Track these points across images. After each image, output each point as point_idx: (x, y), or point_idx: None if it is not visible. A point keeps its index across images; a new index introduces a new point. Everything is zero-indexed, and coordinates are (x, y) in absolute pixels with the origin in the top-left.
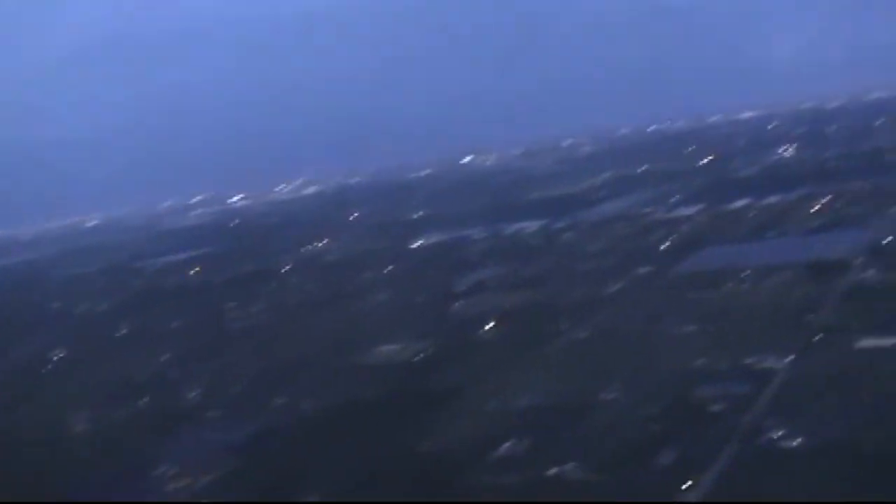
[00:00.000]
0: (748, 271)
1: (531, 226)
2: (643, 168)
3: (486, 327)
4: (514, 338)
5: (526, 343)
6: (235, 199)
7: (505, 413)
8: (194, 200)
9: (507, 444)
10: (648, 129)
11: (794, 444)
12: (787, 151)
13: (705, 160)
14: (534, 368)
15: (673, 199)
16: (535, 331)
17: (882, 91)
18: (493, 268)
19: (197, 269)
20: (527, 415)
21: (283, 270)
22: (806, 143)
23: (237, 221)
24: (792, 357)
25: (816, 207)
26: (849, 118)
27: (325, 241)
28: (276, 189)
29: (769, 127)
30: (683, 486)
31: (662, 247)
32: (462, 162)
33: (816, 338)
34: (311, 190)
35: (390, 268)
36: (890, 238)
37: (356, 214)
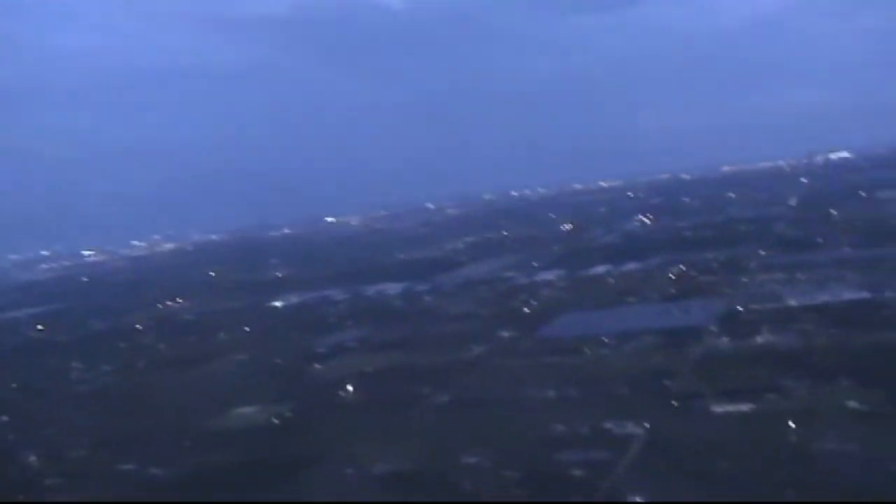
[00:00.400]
0: (607, 337)
1: (393, 288)
2: (506, 233)
3: (347, 390)
4: (374, 402)
5: (387, 407)
6: (87, 254)
7: (364, 479)
8: (43, 254)
9: None
10: (512, 195)
11: None
12: (645, 220)
13: (566, 227)
14: (394, 433)
15: (534, 265)
16: (397, 395)
17: (734, 165)
18: (353, 329)
19: (42, 326)
20: (387, 481)
21: (135, 329)
22: (662, 212)
23: (88, 277)
24: (650, 423)
25: (672, 276)
26: (703, 190)
27: (180, 300)
28: (131, 245)
29: (628, 196)
30: None
31: (524, 311)
32: (325, 222)
33: (674, 403)
34: (167, 247)
35: (248, 328)
36: (741, 307)
37: (214, 273)
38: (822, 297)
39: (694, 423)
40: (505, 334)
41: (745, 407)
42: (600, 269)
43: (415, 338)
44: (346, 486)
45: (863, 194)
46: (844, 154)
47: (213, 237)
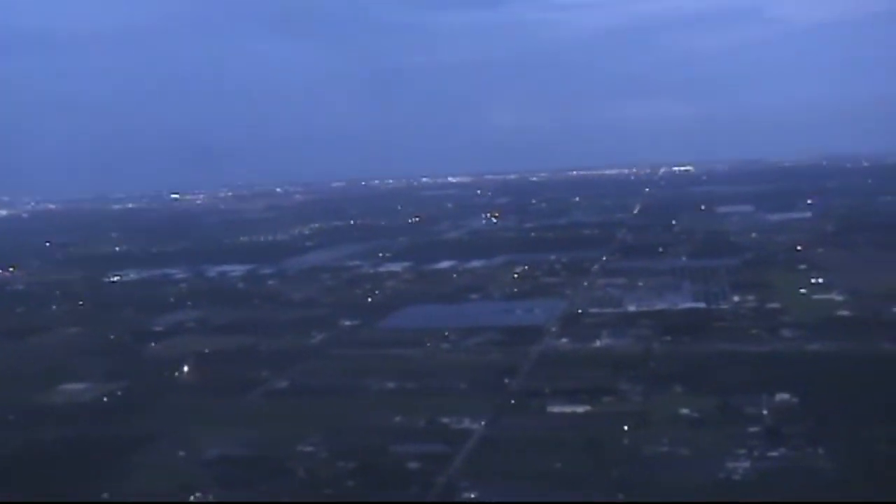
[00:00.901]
0: (450, 332)
1: (236, 270)
2: (353, 222)
3: (182, 371)
4: (211, 384)
5: (223, 390)
6: None
7: (196, 463)
8: None
9: (196, 496)
10: (362, 184)
11: None
12: (492, 218)
13: (414, 219)
14: (230, 417)
15: (380, 255)
16: (234, 378)
17: (581, 170)
18: (193, 310)
19: None
20: (219, 466)
21: None
22: (509, 212)
23: None
24: (487, 419)
25: (516, 274)
26: (550, 192)
27: (12, 269)
28: None
29: (476, 193)
30: None
31: (368, 301)
32: (169, 198)
33: (512, 401)
34: (0, 213)
35: (82, 302)
36: (582, 310)
37: (50, 243)
38: (660, 305)
39: (531, 422)
40: (347, 323)
41: (581, 408)
42: (446, 263)
43: (256, 321)
44: (176, 468)
45: (703, 207)
46: (687, 167)
47: (51, 206)
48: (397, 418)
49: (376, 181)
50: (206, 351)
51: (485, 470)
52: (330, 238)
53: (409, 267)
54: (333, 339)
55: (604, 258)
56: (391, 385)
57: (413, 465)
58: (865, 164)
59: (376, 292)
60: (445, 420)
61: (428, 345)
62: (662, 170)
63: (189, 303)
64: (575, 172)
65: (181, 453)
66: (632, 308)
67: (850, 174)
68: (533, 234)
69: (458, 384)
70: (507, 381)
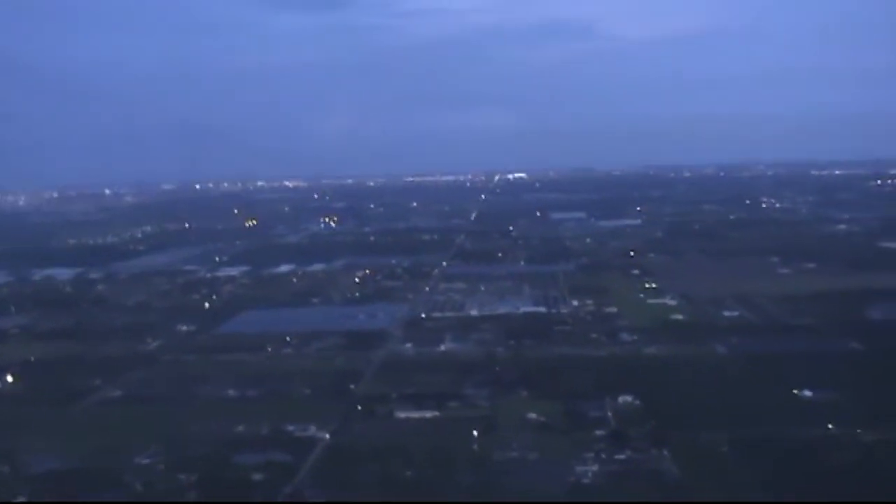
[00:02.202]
0: (291, 337)
1: (63, 273)
2: (187, 225)
3: (6, 381)
4: (38, 393)
5: (52, 400)
6: None
7: (21, 479)
8: None
9: None
10: (195, 187)
11: None
12: (330, 223)
13: (250, 223)
14: (59, 428)
15: (217, 259)
16: (63, 387)
17: (417, 176)
18: (17, 316)
19: None
20: (47, 481)
21: None
22: (347, 216)
23: None
24: (333, 426)
25: (357, 279)
26: (387, 197)
27: None
28: None
29: (313, 197)
30: None
31: (205, 306)
32: None
33: (358, 407)
34: None
35: None
36: (425, 314)
37: None
38: (502, 309)
39: (378, 428)
40: (184, 328)
41: (429, 413)
42: (285, 267)
43: (86, 327)
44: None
45: (538, 214)
46: (521, 175)
47: None
48: (239, 427)
49: (210, 184)
50: (32, 359)
51: (332, 479)
52: (163, 241)
53: (248, 271)
54: (170, 345)
55: (444, 263)
56: (232, 392)
57: (257, 476)
58: (687, 174)
59: (213, 297)
60: (290, 428)
61: (269, 350)
62: (497, 177)
63: (12, 308)
64: (411, 178)
65: (4, 469)
66: (474, 312)
67: (674, 183)
68: (372, 238)
69: (301, 390)
70: (352, 386)
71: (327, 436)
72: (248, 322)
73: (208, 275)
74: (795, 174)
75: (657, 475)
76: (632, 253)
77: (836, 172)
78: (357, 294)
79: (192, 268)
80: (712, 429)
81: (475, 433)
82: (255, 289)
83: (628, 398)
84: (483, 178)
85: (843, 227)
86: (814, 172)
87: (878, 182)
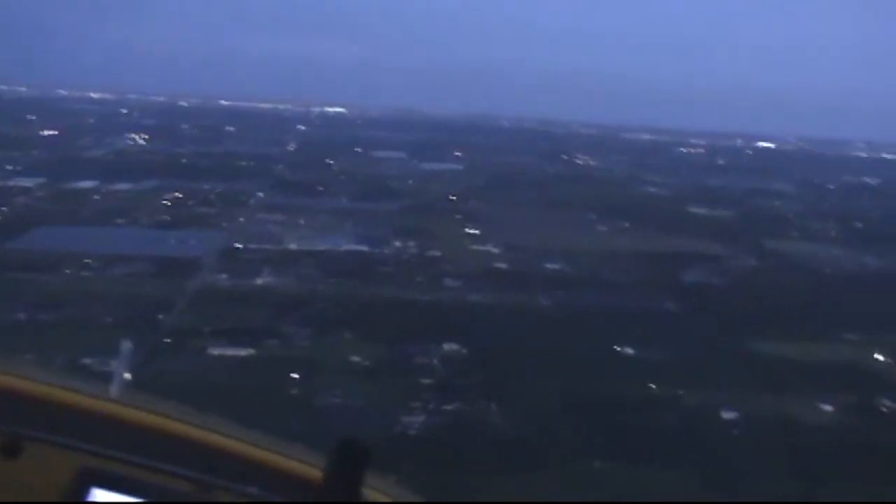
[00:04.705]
0: (93, 258)
1: None
2: None
3: None
4: None
5: None
6: None
7: None
8: None
9: None
10: None
11: None
12: (139, 140)
13: (49, 132)
14: None
15: (9, 168)
16: None
17: (233, 100)
18: None
19: None
20: None
21: None
22: (158, 135)
23: None
24: (139, 360)
25: (167, 202)
26: (202, 119)
27: None
28: None
29: (121, 112)
30: None
31: None
32: None
33: (166, 340)
34: None
35: None
36: (240, 244)
37: None
38: (323, 245)
39: (189, 365)
40: None
41: (244, 352)
42: (87, 183)
43: None
44: None
45: (359, 150)
46: (341, 109)
47: None
48: (27, 356)
49: (3, 86)
50: None
51: None
52: None
53: (44, 184)
54: None
55: (261, 193)
56: (21, 316)
57: None
58: (505, 124)
59: (3, 209)
60: (88, 361)
61: (67, 272)
62: (316, 109)
63: None
64: (227, 102)
65: None
66: (293, 246)
67: (494, 132)
68: (184, 160)
69: (102, 318)
70: (160, 317)
71: (132, 371)
72: (44, 239)
73: None
74: (607, 135)
75: (486, 428)
76: (453, 197)
77: (645, 137)
78: (167, 218)
79: None
80: (539, 384)
81: (295, 375)
82: (53, 203)
83: (454, 346)
84: (303, 109)
85: (653, 189)
86: (624, 136)
87: (684, 150)
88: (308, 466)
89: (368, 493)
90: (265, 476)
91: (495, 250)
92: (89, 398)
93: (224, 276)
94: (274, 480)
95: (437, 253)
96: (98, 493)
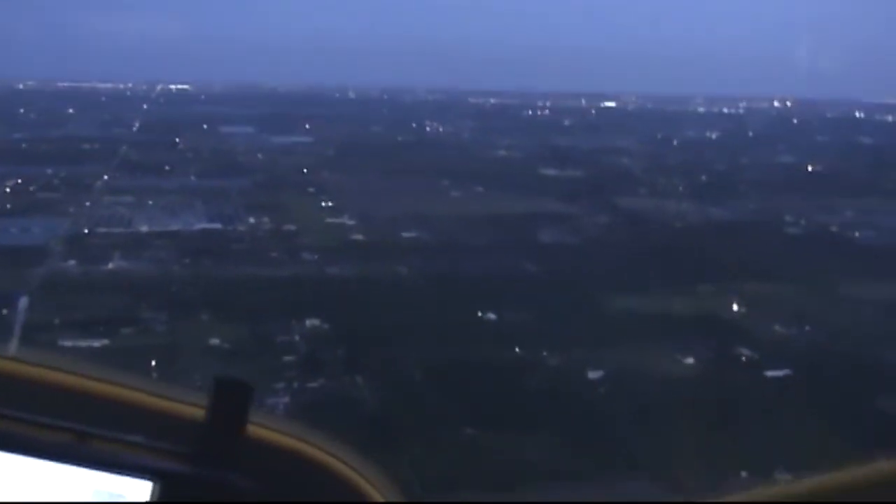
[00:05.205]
0: None
1: None
2: None
3: None
4: None
5: None
6: None
7: None
8: None
9: None
10: None
11: None
12: None
13: None
14: None
15: None
16: None
17: (71, 81)
18: None
19: None
20: None
21: None
22: None
23: None
24: None
25: (8, 189)
26: (39, 102)
27: None
28: None
29: None
30: None
31: None
32: None
33: (14, 335)
34: None
35: None
36: (88, 229)
37: None
38: (174, 225)
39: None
40: None
41: (98, 342)
42: None
43: None
44: None
45: (205, 126)
46: (185, 86)
47: None
48: None
49: None
50: None
51: None
52: None
53: None
54: None
55: (106, 175)
56: None
57: None
58: (352, 95)
59: None
60: None
61: None
62: (159, 87)
63: None
64: (66, 84)
65: None
66: (144, 228)
67: (340, 103)
68: (24, 145)
69: None
70: (4, 311)
71: None
72: None
73: None
74: (454, 100)
75: (353, 404)
76: (305, 170)
77: (492, 101)
78: (8, 206)
79: None
80: (403, 354)
81: (153, 363)
82: None
83: (315, 321)
84: (144, 87)
85: (503, 153)
86: (471, 100)
87: (530, 112)
88: (190, 407)
89: (252, 430)
90: (148, 421)
91: (351, 222)
92: None
93: (72, 262)
94: (157, 425)
95: (293, 227)
96: None
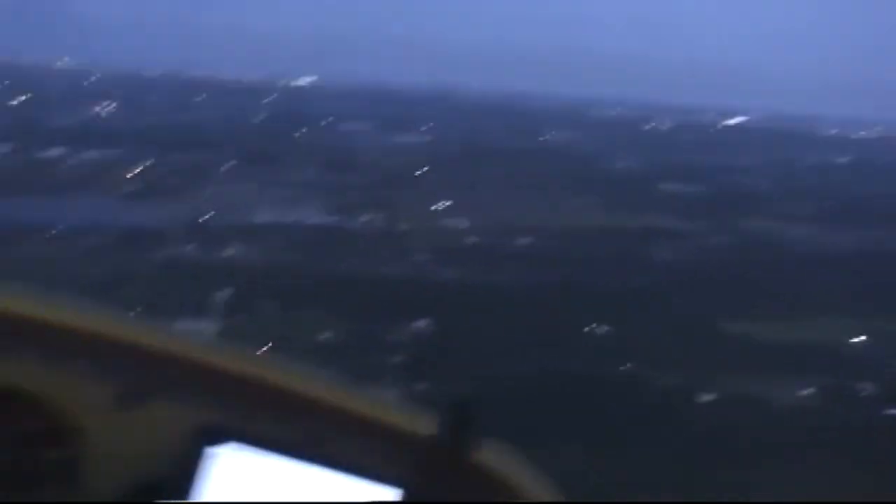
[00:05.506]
0: (57, 230)
1: None
2: None
3: None
4: None
5: None
6: None
7: None
8: None
9: None
10: None
11: None
12: (106, 110)
13: (18, 99)
14: None
15: None
16: None
17: (202, 70)
18: None
19: None
20: None
21: None
22: (125, 105)
23: None
24: None
25: (135, 172)
26: (169, 90)
27: None
28: None
29: (89, 80)
30: None
31: None
32: None
33: (131, 315)
34: None
35: None
36: (208, 216)
37: None
38: (290, 217)
39: None
40: None
41: (212, 326)
42: (54, 151)
43: None
44: None
45: (326, 122)
46: (308, 80)
47: None
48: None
49: None
50: None
51: None
52: None
53: (8, 154)
54: None
55: (227, 165)
56: None
57: None
58: (473, 96)
59: None
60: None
61: (25, 246)
62: (284, 80)
63: None
64: (194, 73)
65: None
66: (261, 219)
67: (462, 105)
68: (152, 131)
69: (66, 293)
70: (127, 290)
71: None
72: (8, 208)
73: None
74: (574, 109)
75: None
76: (424, 169)
77: (613, 112)
78: (133, 189)
79: None
80: (511, 363)
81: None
82: (16, 173)
83: (424, 323)
84: (269, 80)
85: (622, 164)
86: (592, 111)
87: (652, 124)
88: (404, 419)
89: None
90: (366, 433)
91: (464, 225)
92: (202, 352)
93: (190, 248)
94: (374, 437)
95: (406, 227)
96: (225, 448)
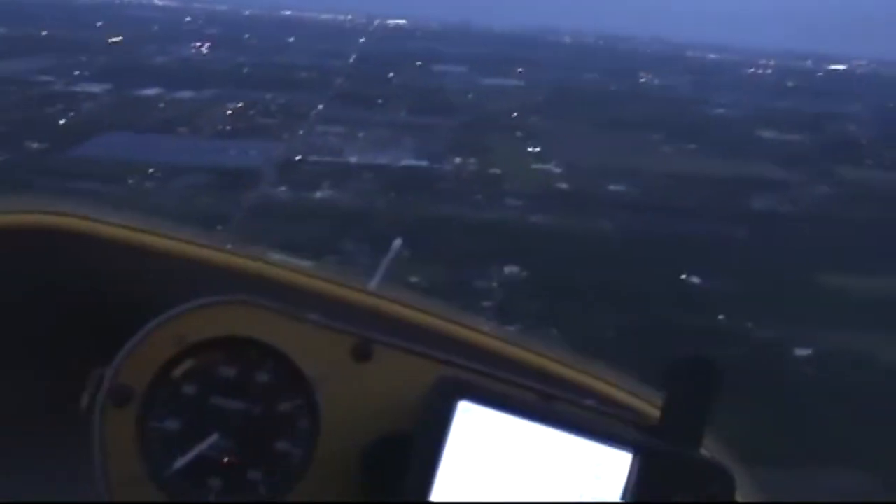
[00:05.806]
0: (155, 168)
1: None
2: (45, 33)
3: None
4: None
5: None
6: None
7: None
8: None
9: None
10: None
11: None
12: (202, 49)
13: (114, 39)
14: None
15: (76, 73)
16: None
17: (294, 10)
18: None
19: None
20: None
21: None
22: (221, 44)
23: None
24: None
25: (229, 112)
26: (262, 29)
27: None
28: None
29: (185, 20)
30: None
31: (59, 123)
32: None
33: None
34: None
35: None
36: (300, 156)
37: None
38: (382, 159)
39: None
40: (34, 146)
41: (303, 265)
42: (151, 91)
43: None
44: None
45: (419, 63)
46: (401, 22)
47: None
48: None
49: None
50: None
51: None
52: (18, 48)
53: (110, 90)
54: (15, 164)
55: (320, 105)
56: None
57: None
58: (567, 39)
59: (70, 114)
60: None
61: (129, 182)
62: (377, 21)
63: None
64: (288, 12)
65: None
66: (352, 160)
67: (554, 47)
68: (246, 70)
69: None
70: (219, 228)
71: None
72: (108, 146)
73: (64, 89)
74: (672, 53)
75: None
76: (514, 114)
77: (712, 56)
78: (228, 128)
79: (46, 79)
80: (601, 310)
81: None
82: (117, 110)
83: (514, 269)
84: (363, 20)
85: (720, 111)
86: (690, 54)
87: (752, 70)
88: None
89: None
90: (594, 398)
91: (557, 170)
92: (429, 313)
93: (283, 188)
94: (605, 403)
95: (497, 171)
96: (461, 404)
